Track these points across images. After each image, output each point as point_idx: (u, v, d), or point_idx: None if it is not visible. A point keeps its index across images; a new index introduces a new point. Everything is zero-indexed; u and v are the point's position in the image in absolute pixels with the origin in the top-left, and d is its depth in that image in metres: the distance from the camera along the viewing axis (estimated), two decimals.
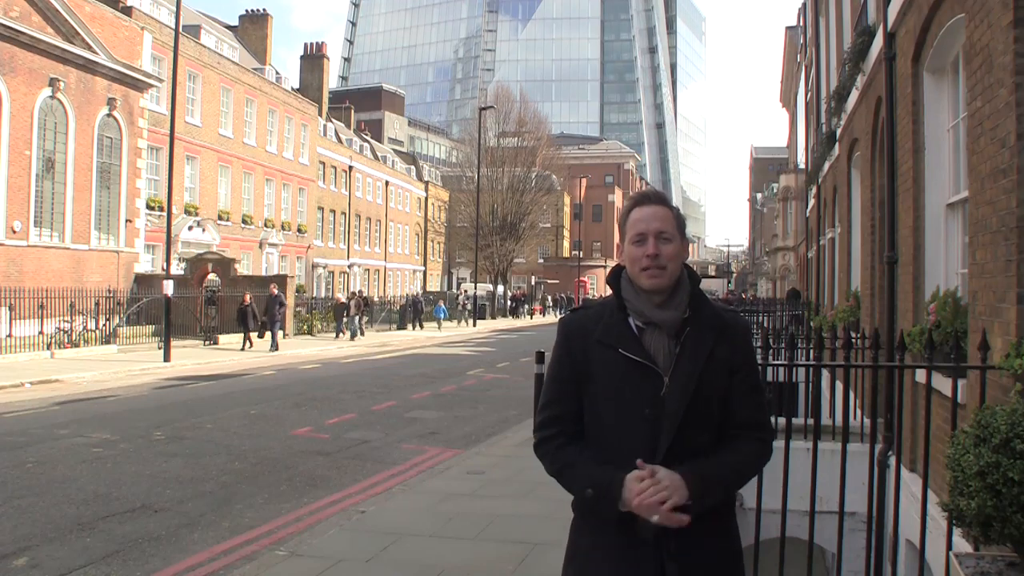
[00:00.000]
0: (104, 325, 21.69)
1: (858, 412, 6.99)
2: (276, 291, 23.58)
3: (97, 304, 21.64)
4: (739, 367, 2.08)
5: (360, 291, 31.39)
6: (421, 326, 35.96)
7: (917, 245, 5.38)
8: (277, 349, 22.46)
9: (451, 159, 71.37)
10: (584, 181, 65.79)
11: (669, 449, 1.97)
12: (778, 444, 3.96)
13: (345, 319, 28.80)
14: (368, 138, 59.52)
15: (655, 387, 2.00)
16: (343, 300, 29.77)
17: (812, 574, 3.87)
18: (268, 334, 22.99)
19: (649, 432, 1.99)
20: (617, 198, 77.16)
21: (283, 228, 40.82)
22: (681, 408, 1.98)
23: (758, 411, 2.11)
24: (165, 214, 21.86)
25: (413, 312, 36.66)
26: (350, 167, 49.64)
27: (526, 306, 54.32)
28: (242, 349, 22.33)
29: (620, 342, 2.05)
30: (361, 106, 66.00)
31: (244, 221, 36.98)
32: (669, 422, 1.98)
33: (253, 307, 22.65)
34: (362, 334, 29.32)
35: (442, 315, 37.09)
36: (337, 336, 28.80)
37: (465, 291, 42.33)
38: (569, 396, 2.11)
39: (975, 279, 3.87)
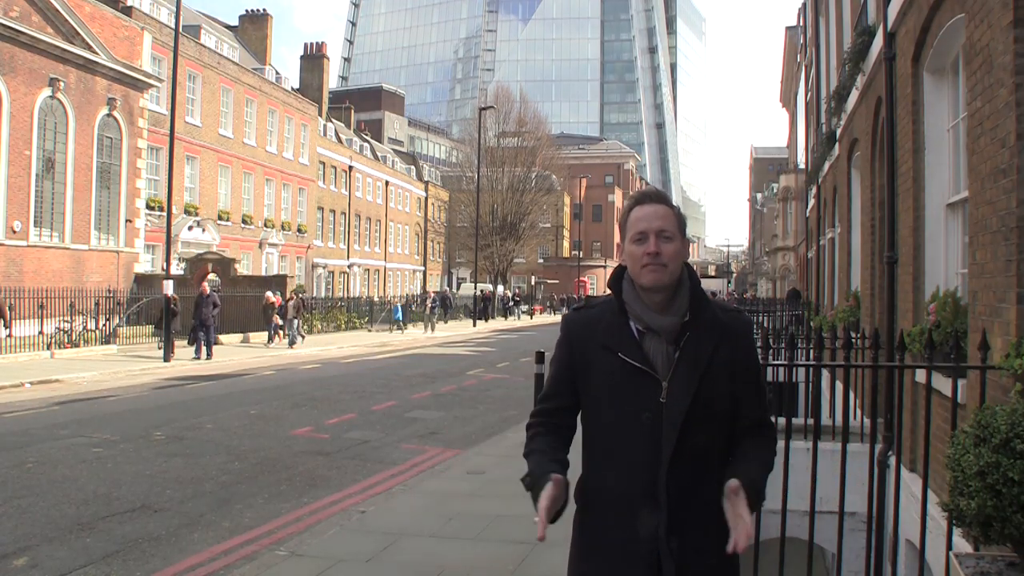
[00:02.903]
0: (104, 325, 21.68)
1: (858, 412, 6.99)
2: (208, 290, 20.76)
3: (97, 304, 21.63)
4: (742, 368, 2.08)
5: (299, 290, 26.74)
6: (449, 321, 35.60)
7: (917, 245, 5.38)
8: (210, 357, 19.62)
9: (451, 159, 71.50)
10: (584, 181, 65.83)
11: (673, 454, 1.98)
12: (778, 444, 3.97)
13: (282, 322, 24.96)
14: (368, 138, 59.54)
15: (654, 392, 2.01)
16: (273, 300, 25.25)
17: (812, 574, 3.87)
18: (206, 339, 20.03)
19: (649, 436, 2.00)
20: (617, 198, 77.19)
21: (283, 228, 40.83)
22: (681, 413, 1.99)
23: (763, 409, 2.16)
24: (165, 214, 21.85)
25: (443, 308, 37.19)
26: (350, 167, 49.66)
27: (523, 306, 52.60)
28: (165, 360, 18.85)
29: (620, 346, 2.06)
30: (361, 106, 66.02)
31: (244, 221, 36.99)
32: (670, 427, 1.99)
33: (179, 309, 20.32)
34: (301, 338, 25.26)
35: (399, 316, 34.00)
36: (270, 341, 24.79)
37: (433, 292, 38.44)
38: (564, 392, 2.16)
39: (975, 279, 3.87)
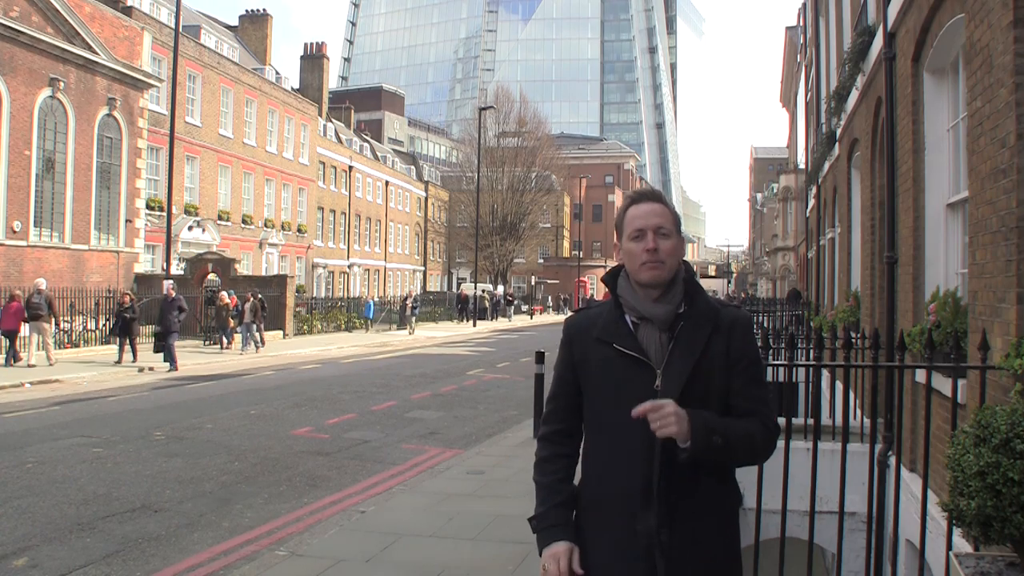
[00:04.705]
0: (104, 325, 21.67)
1: (858, 412, 6.99)
2: (174, 293, 18.40)
3: (97, 304, 21.63)
4: (737, 360, 2.08)
5: (256, 292, 23.68)
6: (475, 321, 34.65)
7: (917, 245, 5.39)
8: (175, 367, 17.56)
9: (451, 159, 71.58)
10: (584, 181, 65.85)
11: (666, 442, 1.98)
12: (778, 444, 3.97)
13: (239, 326, 22.71)
14: (368, 138, 59.54)
15: (649, 381, 2.03)
16: (227, 301, 22.92)
17: (812, 574, 3.87)
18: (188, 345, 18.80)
19: (646, 427, 2.00)
20: (617, 198, 77.17)
21: (283, 228, 40.83)
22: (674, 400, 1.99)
23: (759, 404, 2.10)
24: (165, 214, 21.86)
25: (461, 308, 37.46)
26: (350, 167, 49.66)
27: (521, 306, 51.44)
28: (117, 362, 17.56)
29: (615, 337, 2.08)
30: (361, 106, 66.03)
31: (244, 221, 36.99)
32: None
33: (135, 309, 18.37)
34: (262, 343, 22.87)
35: (370, 315, 32.94)
36: (222, 347, 22.62)
37: (412, 293, 36.81)
38: (568, 392, 2.19)
39: (975, 279, 3.87)
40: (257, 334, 22.68)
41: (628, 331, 2.09)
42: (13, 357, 16.97)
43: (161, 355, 17.95)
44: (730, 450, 1.99)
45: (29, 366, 16.58)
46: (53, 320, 17.35)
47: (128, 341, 17.96)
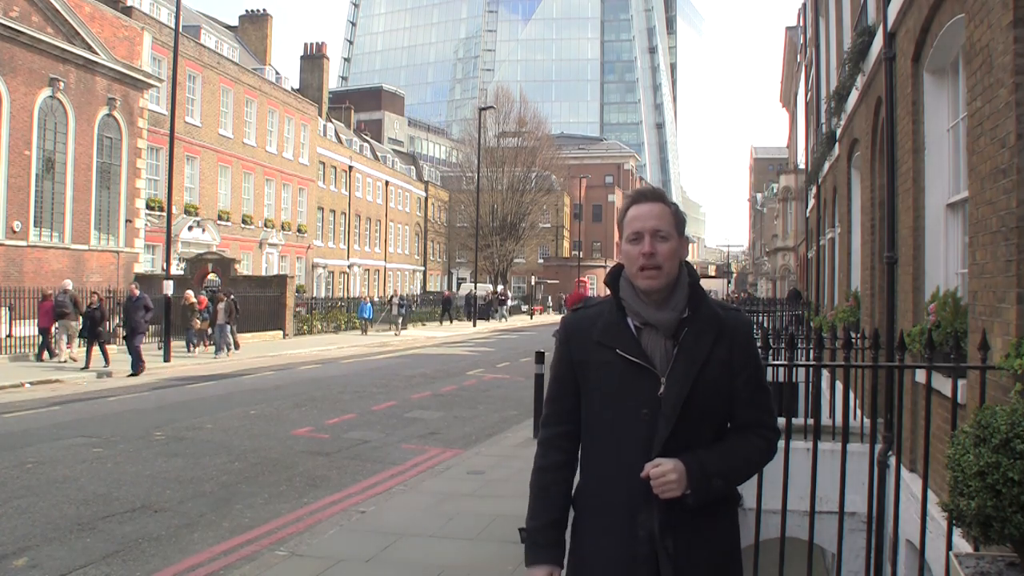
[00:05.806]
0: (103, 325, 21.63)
1: (858, 412, 6.99)
2: (138, 292, 17.53)
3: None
4: (741, 367, 2.06)
5: (229, 291, 22.27)
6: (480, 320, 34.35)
7: (917, 245, 5.38)
8: (140, 371, 16.54)
9: (451, 159, 71.55)
10: (584, 181, 65.80)
11: (664, 449, 1.98)
12: (778, 444, 3.97)
13: (210, 327, 21.38)
14: (368, 138, 59.54)
15: (652, 387, 2.00)
16: (193, 300, 21.47)
17: (812, 574, 3.87)
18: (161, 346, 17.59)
19: (645, 432, 1.99)
20: (617, 198, 77.17)
21: (283, 228, 40.83)
22: (677, 408, 1.98)
23: (762, 410, 2.11)
24: (165, 214, 21.81)
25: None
26: (350, 167, 49.66)
27: (507, 305, 49.56)
28: (85, 367, 16.74)
29: (618, 342, 2.05)
30: (361, 106, 66.03)
31: (244, 221, 36.99)
32: (665, 422, 1.98)
33: (104, 311, 17.62)
34: (236, 347, 21.63)
35: (368, 315, 32.32)
36: (190, 348, 21.48)
37: (396, 292, 36.00)
38: (568, 394, 2.15)
39: (975, 279, 3.87)
40: (231, 337, 21.27)
41: (631, 335, 2.06)
42: (48, 353, 18.16)
43: (129, 357, 16.76)
44: (731, 483, 2.08)
45: (72, 360, 17.95)
46: (80, 319, 18.08)
47: (97, 343, 17.08)
